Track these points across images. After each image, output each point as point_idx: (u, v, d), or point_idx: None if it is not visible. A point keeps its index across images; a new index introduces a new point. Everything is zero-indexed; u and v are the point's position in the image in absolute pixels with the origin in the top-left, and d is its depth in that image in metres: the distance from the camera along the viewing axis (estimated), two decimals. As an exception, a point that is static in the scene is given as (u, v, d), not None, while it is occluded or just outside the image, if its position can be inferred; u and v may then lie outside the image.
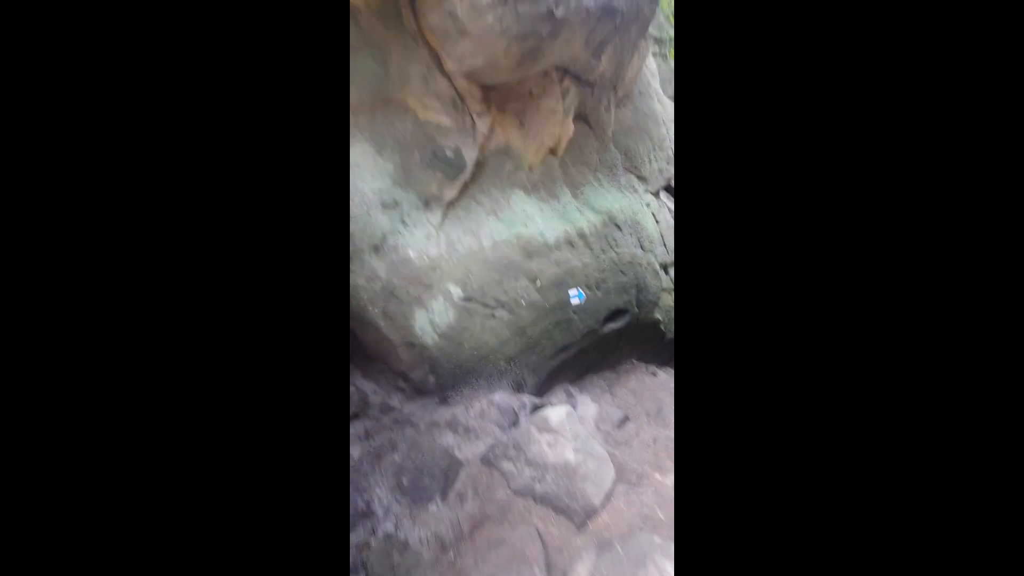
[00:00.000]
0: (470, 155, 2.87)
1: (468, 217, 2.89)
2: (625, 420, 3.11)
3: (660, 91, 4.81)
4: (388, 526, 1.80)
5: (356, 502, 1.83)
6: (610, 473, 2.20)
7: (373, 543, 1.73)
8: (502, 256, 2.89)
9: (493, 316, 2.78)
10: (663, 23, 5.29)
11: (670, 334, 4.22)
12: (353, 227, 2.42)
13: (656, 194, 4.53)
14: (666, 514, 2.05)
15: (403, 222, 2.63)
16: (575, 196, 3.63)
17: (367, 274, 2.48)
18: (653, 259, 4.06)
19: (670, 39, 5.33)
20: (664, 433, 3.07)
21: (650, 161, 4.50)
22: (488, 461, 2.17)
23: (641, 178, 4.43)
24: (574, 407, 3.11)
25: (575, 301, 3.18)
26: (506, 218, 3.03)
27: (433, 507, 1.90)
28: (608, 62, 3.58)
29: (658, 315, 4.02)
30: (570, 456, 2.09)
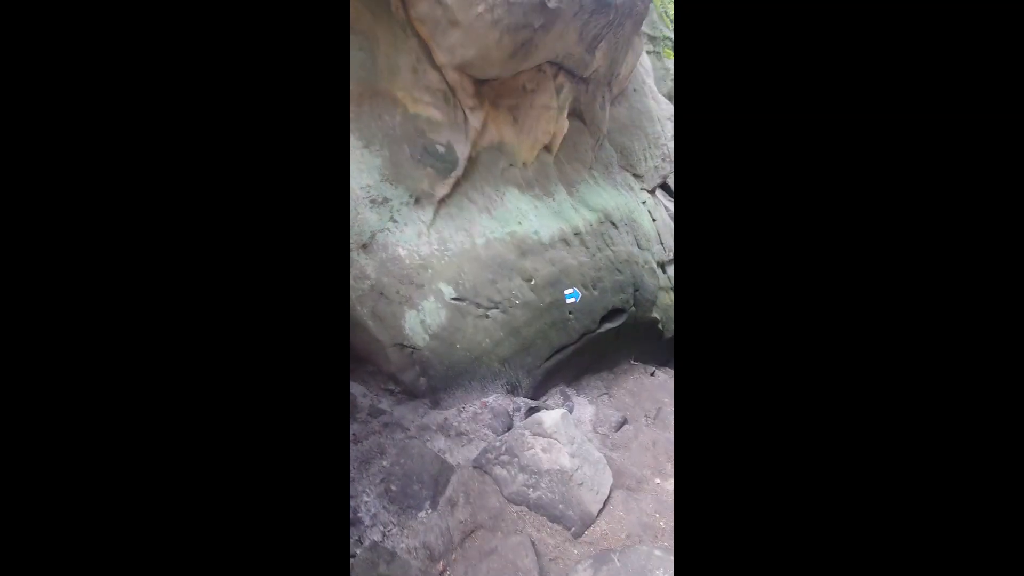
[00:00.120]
0: (462, 150, 2.79)
1: (460, 214, 2.81)
2: (623, 422, 3.03)
3: (655, 88, 4.77)
4: (375, 535, 1.71)
5: (341, 511, 1.74)
6: (608, 479, 2.11)
7: (359, 553, 1.63)
8: (495, 255, 2.81)
9: (486, 316, 2.69)
10: (656, 21, 5.26)
11: (668, 333, 4.16)
12: (340, 224, 2.33)
13: (652, 191, 4.48)
14: (667, 522, 1.97)
15: (393, 219, 2.55)
16: (570, 194, 3.56)
17: (355, 273, 2.39)
18: (650, 257, 4.00)
19: (664, 37, 5.31)
20: (664, 436, 2.99)
21: (645, 158, 4.45)
22: (480, 466, 2.09)
23: (637, 175, 4.38)
24: (570, 409, 3.03)
25: (571, 300, 3.11)
26: (499, 215, 2.96)
27: (422, 515, 1.81)
28: (603, 58, 3.53)
29: (656, 314, 3.95)
30: (566, 461, 2.01)
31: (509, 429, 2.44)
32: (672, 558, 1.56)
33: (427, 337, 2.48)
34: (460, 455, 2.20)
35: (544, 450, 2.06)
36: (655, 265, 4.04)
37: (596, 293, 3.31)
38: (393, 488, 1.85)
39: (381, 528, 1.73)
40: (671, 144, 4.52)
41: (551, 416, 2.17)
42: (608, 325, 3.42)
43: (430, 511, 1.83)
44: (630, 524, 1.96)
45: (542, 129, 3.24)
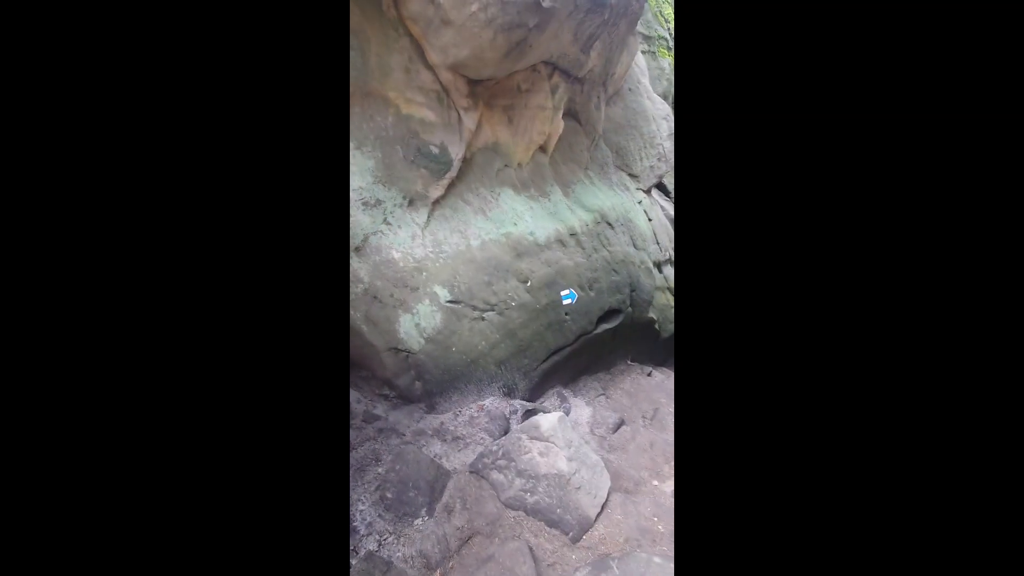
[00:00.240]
0: (456, 151, 2.76)
1: (455, 216, 2.78)
2: (620, 424, 3.02)
3: (650, 88, 4.76)
4: (371, 544, 1.68)
5: (335, 520, 1.71)
6: (605, 482, 2.10)
7: (354, 563, 1.60)
8: (491, 256, 2.78)
9: (482, 319, 2.67)
10: (651, 20, 5.25)
11: (665, 333, 4.15)
12: (333, 227, 2.30)
13: (648, 191, 4.47)
14: (665, 526, 1.96)
15: (386, 221, 2.52)
16: (566, 194, 3.54)
17: (349, 277, 2.36)
18: (646, 257, 3.99)
19: (659, 36, 5.30)
20: (661, 437, 2.98)
21: (641, 158, 4.44)
22: (477, 471, 2.06)
23: (632, 175, 4.37)
24: (567, 411, 3.01)
25: (567, 302, 3.09)
26: (495, 217, 2.93)
27: (419, 522, 1.78)
28: (598, 57, 3.52)
29: (652, 314, 3.95)
30: (563, 465, 1.99)
31: (506, 433, 2.41)
32: (672, 566, 1.55)
33: (422, 341, 2.46)
34: (456, 460, 2.18)
35: (541, 454, 2.04)
36: (651, 265, 4.03)
37: (592, 294, 3.30)
38: (389, 495, 1.82)
39: (377, 537, 1.70)
40: (667, 144, 4.51)
41: (548, 419, 2.15)
42: (605, 326, 3.41)
43: (426, 518, 1.80)
44: (628, 528, 1.94)
45: (537, 129, 3.22)
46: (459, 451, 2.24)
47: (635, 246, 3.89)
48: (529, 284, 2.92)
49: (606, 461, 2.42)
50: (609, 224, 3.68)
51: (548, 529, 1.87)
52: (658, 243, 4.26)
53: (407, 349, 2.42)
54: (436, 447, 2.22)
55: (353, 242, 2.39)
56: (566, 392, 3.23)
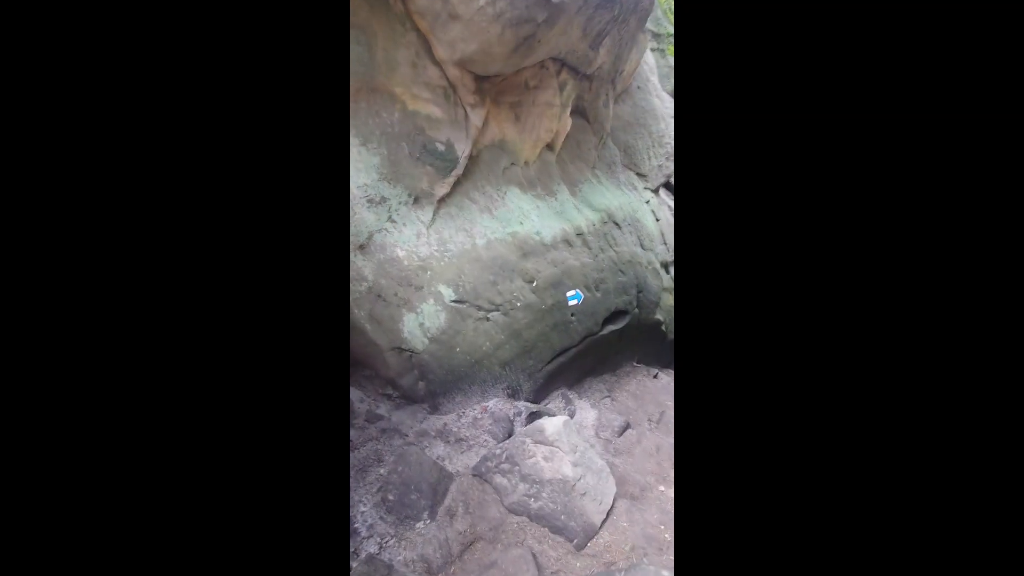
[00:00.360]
0: (463, 149, 2.72)
1: (460, 214, 2.74)
2: (626, 427, 2.97)
3: (659, 86, 4.69)
4: (371, 546, 1.65)
5: (336, 522, 1.68)
6: (611, 488, 2.06)
7: (355, 566, 1.58)
8: (496, 256, 2.74)
9: (487, 319, 2.63)
10: (661, 17, 5.17)
11: (672, 335, 4.09)
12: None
13: (656, 191, 4.41)
14: (672, 534, 1.91)
15: (391, 219, 2.49)
16: (573, 193, 3.49)
17: (353, 275, 2.33)
18: (654, 258, 3.93)
19: (668, 34, 5.22)
20: (667, 440, 2.93)
21: (649, 157, 4.38)
22: (480, 475, 2.03)
23: (640, 175, 4.31)
24: (572, 413, 2.97)
25: (573, 302, 3.05)
26: (501, 216, 2.89)
27: (420, 525, 1.75)
28: (607, 54, 3.46)
29: (659, 315, 3.89)
30: (568, 470, 1.95)
31: (510, 435, 2.38)
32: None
33: (426, 340, 2.42)
34: (459, 462, 2.14)
35: (546, 458, 2.00)
36: (659, 266, 3.97)
37: (599, 295, 3.25)
38: (391, 497, 1.79)
39: (378, 539, 1.67)
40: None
41: (553, 423, 2.11)
42: (611, 327, 3.36)
43: (428, 521, 1.77)
44: (634, 535, 1.90)
45: (544, 127, 3.17)
46: (462, 453, 2.20)
47: (642, 246, 3.84)
48: (535, 284, 2.88)
49: (611, 465, 2.38)
50: (616, 224, 3.63)
51: (552, 536, 1.83)
52: (665, 243, 4.20)
53: (411, 349, 2.39)
54: (439, 448, 2.19)
55: (358, 240, 2.36)
56: (571, 394, 3.19)
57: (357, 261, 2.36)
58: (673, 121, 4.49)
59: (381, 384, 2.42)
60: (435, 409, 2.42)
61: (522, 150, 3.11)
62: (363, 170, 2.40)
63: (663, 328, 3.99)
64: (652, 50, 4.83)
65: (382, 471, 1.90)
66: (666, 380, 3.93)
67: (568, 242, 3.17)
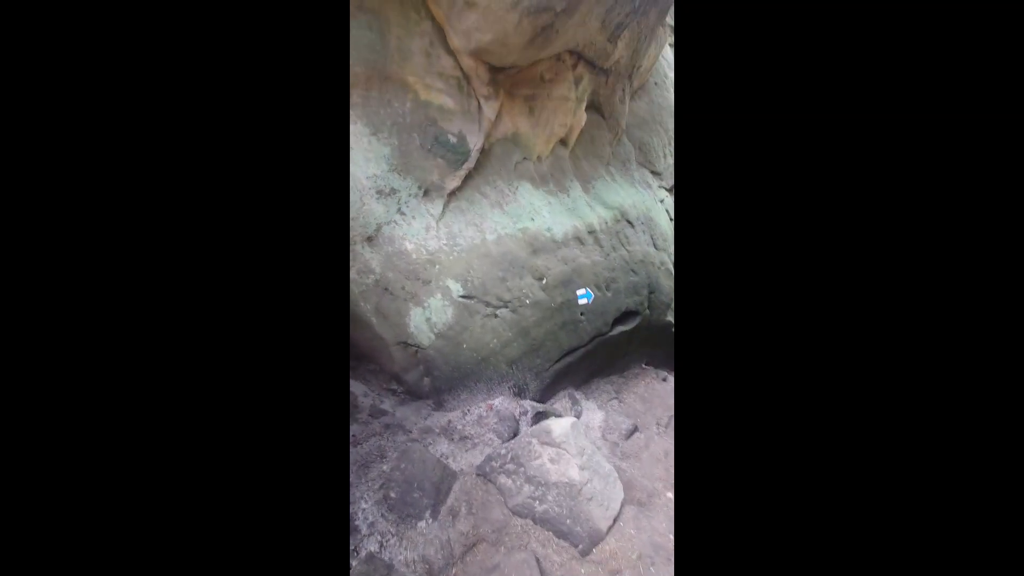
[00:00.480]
0: (475, 141, 2.67)
1: (471, 209, 2.69)
2: (634, 430, 2.90)
3: (674, 78, 4.57)
4: (372, 545, 1.62)
5: (337, 517, 1.65)
6: (618, 493, 2.00)
7: (354, 565, 1.54)
8: (506, 251, 2.69)
9: (495, 315, 2.58)
10: (682, 12, 5.03)
11: (682, 339, 4.00)
12: (346, 215, 2.24)
13: (670, 190, 4.30)
14: (681, 542, 1.85)
15: (400, 211, 2.44)
16: (586, 190, 3.42)
17: (359, 267, 2.30)
18: (666, 258, 3.84)
19: (689, 29, 5.08)
20: (674, 445, 2.86)
21: (664, 155, 4.28)
22: (484, 474, 1.98)
23: (655, 173, 4.21)
24: (579, 414, 2.91)
25: (583, 301, 2.98)
26: (512, 211, 2.83)
27: (422, 524, 1.71)
28: (625, 48, 3.36)
29: (670, 317, 3.80)
30: (575, 474, 1.89)
31: (515, 434, 2.33)
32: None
33: (432, 336, 2.38)
34: (463, 460, 2.10)
35: (552, 460, 1.95)
36: (671, 266, 3.88)
37: (609, 294, 3.18)
38: (392, 495, 1.76)
39: (378, 538, 1.63)
40: (692, 141, 4.33)
41: (560, 424, 2.05)
42: (621, 328, 3.29)
43: (430, 521, 1.73)
44: (641, 543, 1.84)
45: (559, 122, 3.10)
46: (466, 451, 2.16)
47: (655, 246, 3.75)
48: (544, 282, 2.82)
49: (618, 469, 2.31)
50: (629, 222, 3.55)
51: (557, 540, 1.78)
52: (679, 244, 4.10)
53: (417, 344, 2.35)
54: (443, 446, 2.15)
55: (365, 231, 2.33)
56: (578, 394, 3.13)
57: (364, 253, 2.32)
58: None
59: (386, 379, 2.39)
60: (440, 406, 2.38)
61: (535, 145, 3.05)
62: (373, 160, 2.36)
63: (674, 330, 3.90)
64: (670, 45, 4.71)
65: (384, 467, 1.87)
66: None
67: (579, 240, 3.10)
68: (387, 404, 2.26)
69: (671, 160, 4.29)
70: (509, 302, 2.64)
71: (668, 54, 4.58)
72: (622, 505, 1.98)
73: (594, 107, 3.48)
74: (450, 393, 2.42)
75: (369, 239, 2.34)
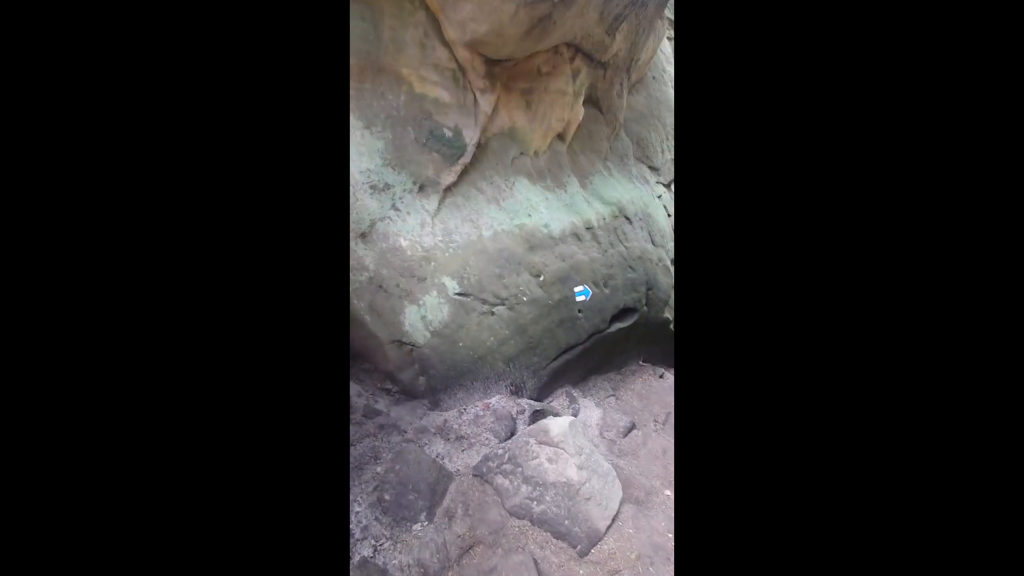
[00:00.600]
0: (471, 136, 2.61)
1: (467, 204, 2.64)
2: (631, 427, 2.89)
3: (675, 77, 4.53)
4: (365, 549, 1.59)
5: (330, 520, 1.61)
6: (617, 492, 1.97)
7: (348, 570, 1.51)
8: (503, 248, 2.64)
9: (491, 313, 2.54)
10: (680, 6, 4.97)
11: (679, 336, 3.99)
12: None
13: (668, 185, 4.27)
14: (680, 542, 1.83)
15: (394, 207, 2.39)
16: (583, 185, 3.37)
17: (353, 264, 2.25)
18: (664, 254, 3.81)
19: (687, 23, 5.02)
20: (673, 443, 2.85)
21: (662, 151, 4.24)
22: (481, 475, 1.95)
23: (653, 168, 4.17)
24: (576, 412, 2.89)
25: (581, 298, 2.95)
26: (508, 207, 2.79)
27: (417, 527, 1.68)
28: (623, 41, 3.31)
29: (668, 314, 3.78)
30: (573, 473, 1.87)
31: (512, 433, 2.30)
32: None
33: (428, 334, 2.34)
34: (460, 461, 2.07)
35: (550, 460, 1.92)
36: (669, 263, 3.86)
37: (607, 291, 3.15)
38: (387, 497, 1.72)
39: (372, 542, 1.60)
40: (690, 136, 4.29)
41: (558, 424, 2.02)
42: (619, 325, 3.26)
43: (426, 523, 1.70)
44: (640, 543, 1.82)
45: (556, 116, 3.05)
46: (462, 451, 2.13)
47: (653, 242, 3.72)
48: (542, 278, 2.78)
49: (616, 467, 2.30)
50: (627, 218, 3.51)
51: (555, 541, 1.75)
52: (677, 241, 4.08)
53: (412, 342, 2.31)
54: (438, 446, 2.11)
55: (359, 228, 2.27)
56: (575, 392, 3.10)
57: (358, 250, 2.27)
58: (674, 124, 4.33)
59: (380, 378, 2.35)
60: (435, 405, 2.35)
61: (532, 139, 3.00)
62: (366, 154, 2.30)
63: (671, 327, 3.88)
64: (669, 39, 4.66)
65: (379, 469, 1.83)
66: (672, 380, 3.84)
67: (577, 236, 3.06)
68: (381, 404, 2.22)
69: (669, 155, 4.25)
70: (506, 299, 2.60)
71: (667, 48, 4.52)
72: (620, 504, 1.96)
73: (592, 101, 3.43)
74: (446, 392, 2.38)
75: (363, 235, 2.29)
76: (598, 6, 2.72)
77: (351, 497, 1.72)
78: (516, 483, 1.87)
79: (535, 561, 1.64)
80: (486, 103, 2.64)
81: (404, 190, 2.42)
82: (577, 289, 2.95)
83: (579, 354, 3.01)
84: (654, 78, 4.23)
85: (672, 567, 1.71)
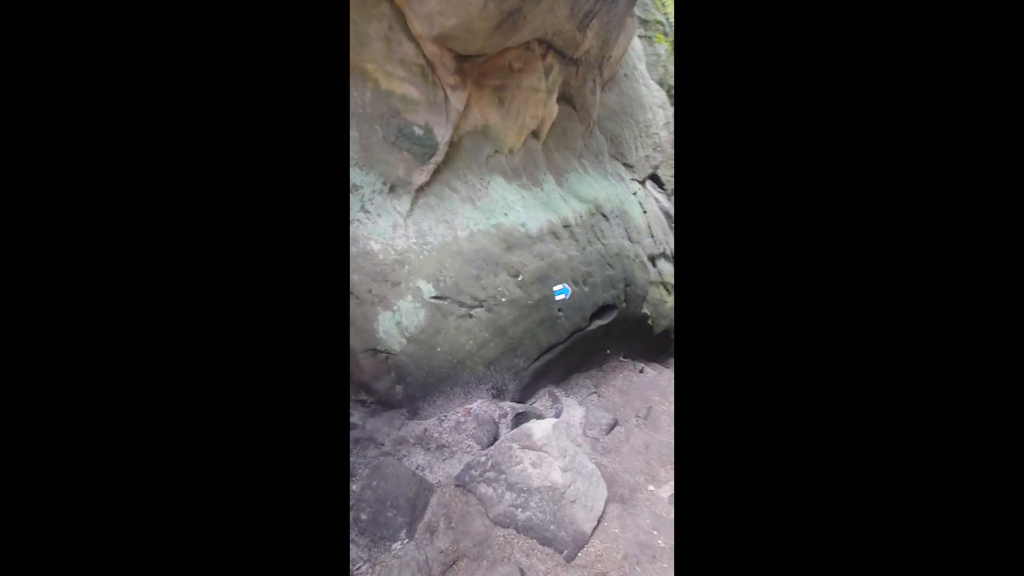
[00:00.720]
0: (443, 134, 2.53)
1: (441, 205, 2.56)
2: (614, 424, 2.89)
3: (646, 74, 4.57)
4: (343, 571, 1.50)
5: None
6: (602, 492, 1.96)
7: (324, 593, 1.42)
8: (480, 249, 2.58)
9: (470, 315, 2.48)
10: (649, 4, 5.04)
11: (658, 329, 4.05)
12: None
13: (643, 183, 4.32)
14: (665, 540, 1.83)
15: (364, 209, 2.28)
16: (559, 183, 3.35)
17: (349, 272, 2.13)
18: (641, 251, 3.85)
19: (656, 21, 5.09)
20: (656, 438, 2.87)
21: (636, 148, 4.28)
22: (463, 484, 1.89)
23: (627, 165, 4.20)
24: (559, 412, 2.87)
25: (560, 297, 2.93)
26: (484, 206, 2.72)
27: (397, 546, 1.61)
28: (594, 37, 3.30)
29: (646, 309, 3.82)
30: (557, 477, 1.84)
31: (495, 438, 2.25)
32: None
33: (404, 340, 2.25)
34: (441, 471, 2.00)
35: (534, 465, 1.88)
36: (646, 259, 3.90)
37: (587, 289, 3.14)
38: (364, 516, 1.64)
39: (349, 567, 1.51)
40: (662, 133, 4.35)
41: (541, 427, 1.99)
42: (599, 322, 3.27)
43: (406, 541, 1.62)
44: (626, 543, 1.81)
45: (530, 113, 3.00)
46: (444, 461, 2.06)
47: (630, 239, 3.75)
48: (520, 278, 2.74)
49: (600, 466, 2.29)
50: (604, 216, 3.52)
51: (541, 548, 1.72)
52: (652, 236, 4.13)
53: (387, 350, 2.21)
54: (419, 457, 2.03)
55: (326, 232, 2.16)
56: (558, 391, 3.08)
57: (326, 255, 2.15)
58: (660, 111, 4.39)
59: (354, 389, 2.24)
60: (414, 414, 2.27)
61: (506, 137, 2.94)
62: (331, 155, 2.18)
63: (649, 322, 3.93)
64: (639, 37, 4.70)
65: (354, 487, 1.74)
66: (652, 375, 3.89)
67: (555, 234, 3.04)
68: (356, 416, 2.12)
69: (643, 152, 4.29)
70: (484, 301, 2.54)
71: (637, 45, 4.56)
72: (606, 504, 1.95)
73: (565, 98, 3.40)
74: (425, 400, 2.30)
75: (330, 240, 2.17)
76: (568, 2, 2.69)
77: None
78: (500, 491, 1.83)
79: (521, 571, 1.60)
80: (457, 100, 2.57)
81: (373, 191, 2.32)
82: (557, 288, 2.92)
83: (560, 353, 2.99)
84: (626, 76, 4.26)
85: (658, 566, 1.71)
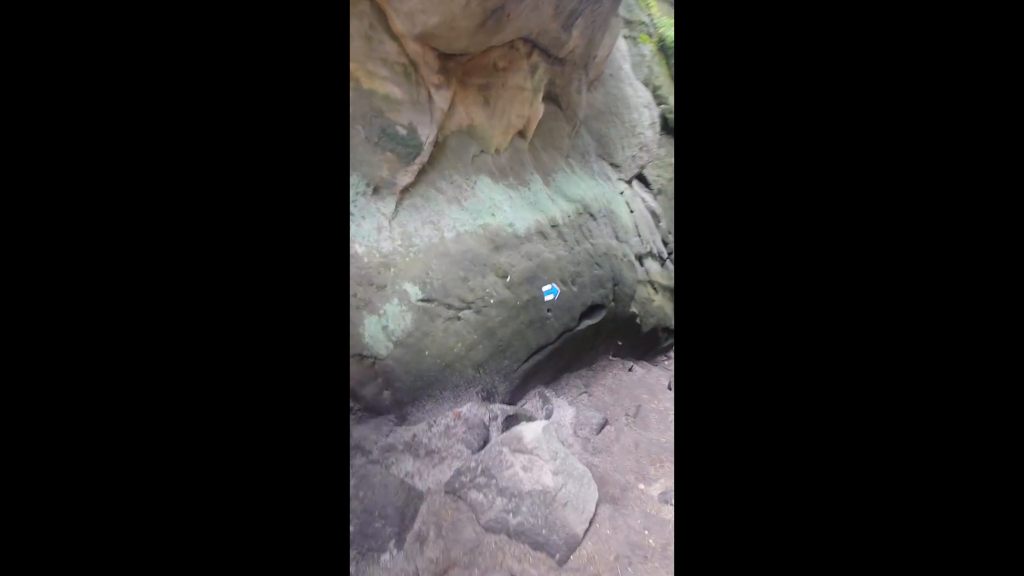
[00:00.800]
0: (427, 134, 2.49)
1: (426, 206, 2.52)
2: (604, 423, 2.90)
3: (631, 74, 4.59)
4: (330, 585, 1.45)
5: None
6: (593, 494, 1.95)
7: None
8: (467, 250, 2.55)
9: (457, 318, 2.44)
10: (633, 4, 5.06)
11: (646, 327, 4.08)
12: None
13: (629, 182, 4.34)
14: (656, 539, 1.84)
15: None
16: (546, 183, 3.34)
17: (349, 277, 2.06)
18: (628, 250, 3.87)
19: (640, 22, 5.13)
20: (645, 436, 2.89)
21: (623, 147, 4.29)
22: (453, 491, 1.86)
23: (614, 165, 4.22)
24: (550, 413, 2.86)
25: (549, 297, 2.91)
26: (471, 207, 2.69)
27: (386, 557, 1.57)
28: (579, 37, 3.29)
29: (634, 308, 3.85)
30: (548, 480, 1.83)
31: (485, 442, 2.22)
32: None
33: (391, 345, 2.21)
34: (431, 477, 1.97)
35: (525, 468, 1.86)
36: (633, 258, 3.92)
37: (575, 288, 3.14)
38: (351, 529, 1.59)
39: (336, 578, 1.47)
40: (648, 133, 4.39)
41: (531, 429, 1.97)
42: (588, 322, 3.27)
43: (395, 551, 1.59)
44: (618, 544, 1.81)
45: (516, 112, 2.98)
46: (434, 467, 2.03)
47: (617, 238, 3.76)
48: (508, 279, 2.72)
49: (591, 466, 2.28)
50: (592, 215, 3.52)
51: (533, 552, 1.70)
52: (640, 235, 4.15)
53: (373, 355, 2.16)
54: (407, 464, 2.00)
55: (308, 235, 2.09)
56: (548, 392, 3.07)
57: (308, 259, 2.09)
58: (646, 110, 4.42)
59: (341, 395, 2.18)
60: (403, 420, 2.22)
61: (492, 137, 2.91)
62: (312, 155, 2.12)
63: (638, 321, 3.96)
64: (624, 37, 4.72)
65: (341, 496, 1.69)
66: (641, 373, 3.92)
67: (543, 234, 3.02)
68: (343, 424, 2.07)
69: (629, 152, 4.32)
70: (472, 303, 2.51)
71: (622, 45, 4.58)
72: (597, 505, 1.94)
73: (551, 98, 3.39)
74: (413, 405, 2.26)
75: (312, 243, 2.11)
76: (552, 1, 2.67)
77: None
78: (491, 496, 1.80)
79: (513, 576, 1.58)
80: (441, 99, 2.53)
81: (357, 193, 2.26)
82: (545, 288, 2.91)
83: (550, 354, 2.98)
84: (611, 75, 4.27)
85: (649, 566, 1.71)
